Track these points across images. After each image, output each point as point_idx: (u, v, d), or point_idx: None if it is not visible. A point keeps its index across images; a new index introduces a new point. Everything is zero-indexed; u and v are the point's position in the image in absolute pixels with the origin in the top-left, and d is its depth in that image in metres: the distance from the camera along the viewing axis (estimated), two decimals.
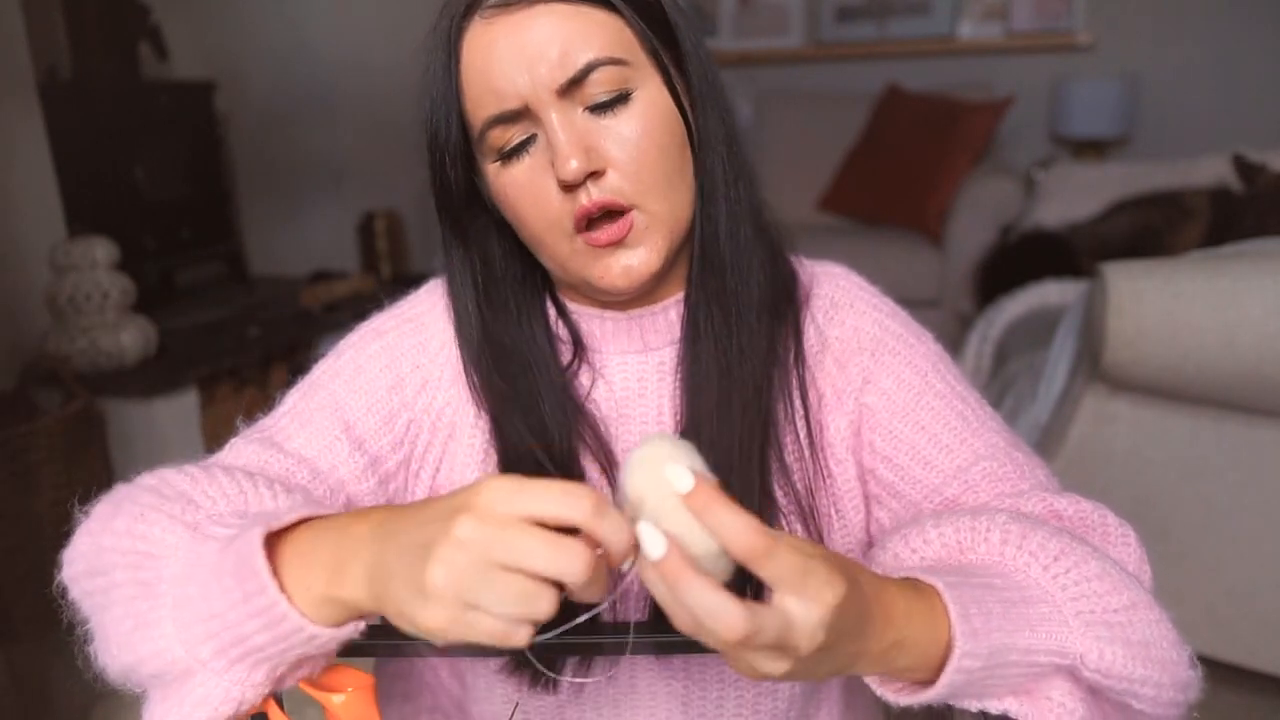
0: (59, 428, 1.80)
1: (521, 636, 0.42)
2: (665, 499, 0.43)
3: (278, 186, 3.56)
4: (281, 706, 0.54)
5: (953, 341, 2.47)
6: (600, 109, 0.59)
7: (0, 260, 2.14)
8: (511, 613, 0.41)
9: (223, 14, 3.39)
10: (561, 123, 0.58)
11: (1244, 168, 2.23)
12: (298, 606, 0.47)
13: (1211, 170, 2.42)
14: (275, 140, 3.48)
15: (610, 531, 0.42)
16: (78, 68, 2.86)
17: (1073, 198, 2.67)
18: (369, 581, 0.45)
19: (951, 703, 0.52)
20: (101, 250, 2.18)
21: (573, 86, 0.58)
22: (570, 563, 0.41)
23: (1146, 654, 0.51)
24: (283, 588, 0.47)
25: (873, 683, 0.53)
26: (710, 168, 0.64)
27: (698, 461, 0.45)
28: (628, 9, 0.60)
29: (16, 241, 2.18)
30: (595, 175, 0.59)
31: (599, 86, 0.58)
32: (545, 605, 0.41)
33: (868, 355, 0.69)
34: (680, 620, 0.42)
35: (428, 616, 0.42)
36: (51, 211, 2.27)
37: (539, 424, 0.66)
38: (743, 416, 0.65)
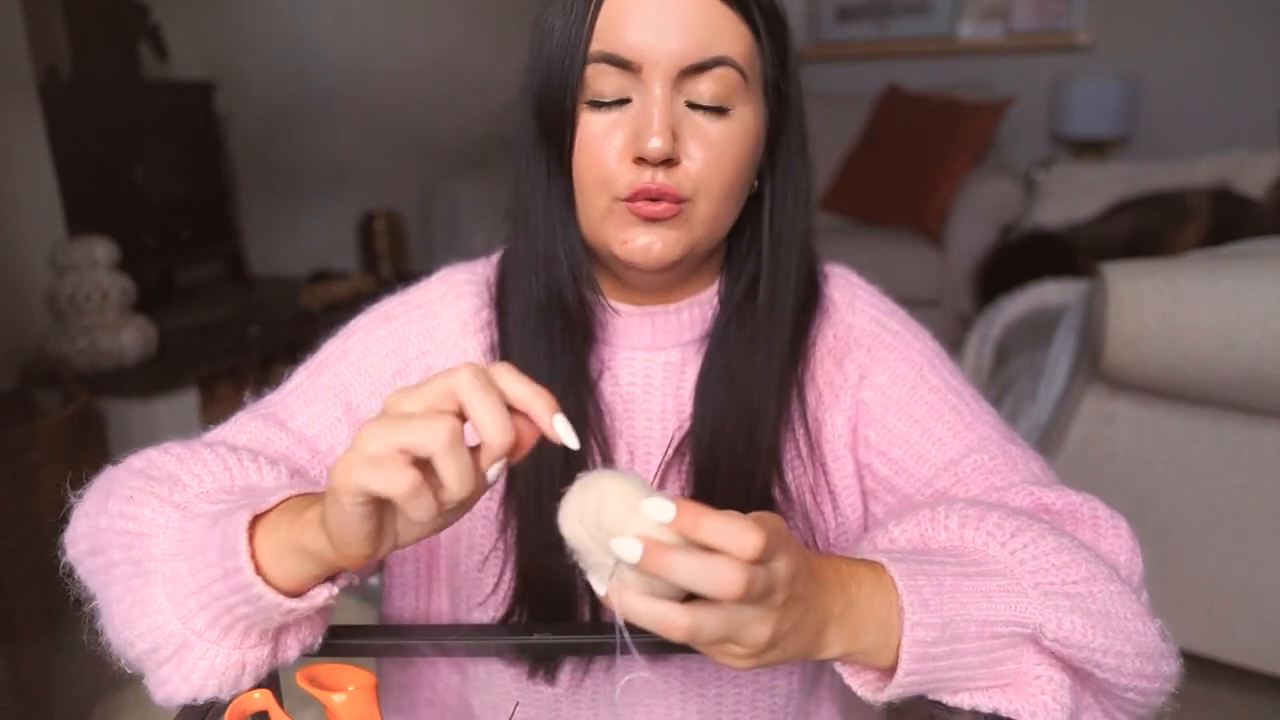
0: (59, 428, 1.79)
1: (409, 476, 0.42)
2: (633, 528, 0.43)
3: (278, 186, 3.56)
4: (282, 705, 0.54)
5: (953, 341, 2.46)
6: (700, 108, 0.60)
7: (0, 260, 2.14)
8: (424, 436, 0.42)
9: (223, 14, 3.39)
10: (663, 100, 0.58)
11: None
12: (272, 580, 0.50)
13: (1211, 170, 2.42)
14: (275, 140, 3.48)
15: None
16: (78, 68, 2.86)
17: (1073, 198, 2.67)
18: (322, 520, 0.47)
19: (934, 697, 0.53)
20: (101, 250, 2.18)
21: (693, 73, 0.59)
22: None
23: (1106, 623, 0.52)
24: (260, 567, 0.50)
25: (845, 674, 0.54)
26: (782, 204, 0.66)
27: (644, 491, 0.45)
28: (765, 36, 0.61)
29: (16, 241, 2.18)
30: (669, 162, 0.59)
31: (712, 86, 0.59)
32: (445, 428, 0.42)
33: (864, 352, 0.70)
34: (672, 620, 0.43)
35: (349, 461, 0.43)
36: (51, 211, 2.27)
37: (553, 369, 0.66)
38: (749, 420, 0.66)
